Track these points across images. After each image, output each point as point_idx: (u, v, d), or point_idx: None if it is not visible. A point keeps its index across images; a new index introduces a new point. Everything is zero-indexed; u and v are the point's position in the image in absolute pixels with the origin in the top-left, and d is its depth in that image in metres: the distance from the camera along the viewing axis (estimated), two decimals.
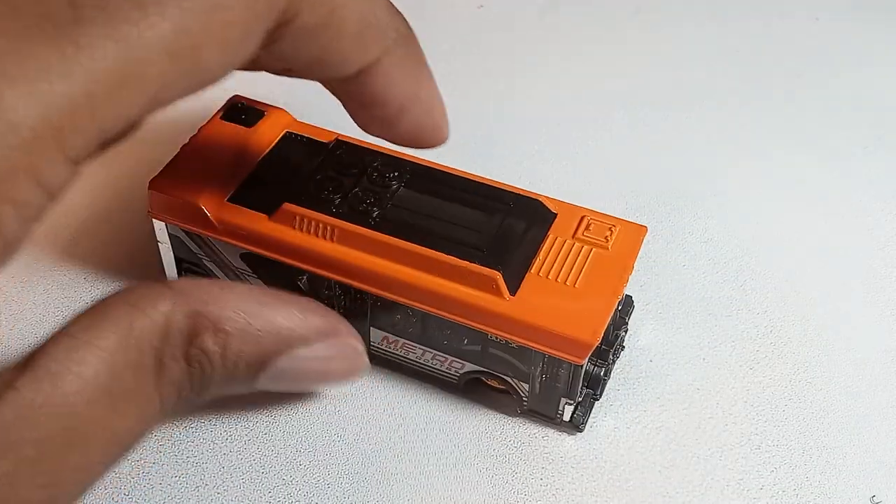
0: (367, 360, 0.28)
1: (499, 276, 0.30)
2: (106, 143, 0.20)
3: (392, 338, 0.34)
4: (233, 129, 0.36)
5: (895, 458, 0.33)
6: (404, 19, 0.28)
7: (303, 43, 0.24)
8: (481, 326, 0.31)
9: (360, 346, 0.28)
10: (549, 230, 0.33)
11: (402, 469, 0.33)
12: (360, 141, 0.35)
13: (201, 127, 0.36)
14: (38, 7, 0.18)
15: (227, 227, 0.33)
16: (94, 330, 0.22)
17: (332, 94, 0.29)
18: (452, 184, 0.34)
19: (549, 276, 0.31)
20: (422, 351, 0.34)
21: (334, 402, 0.35)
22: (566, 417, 0.33)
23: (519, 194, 0.34)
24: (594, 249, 0.32)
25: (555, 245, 0.32)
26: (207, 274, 0.36)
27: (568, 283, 0.31)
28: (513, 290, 0.31)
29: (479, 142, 0.45)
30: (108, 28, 0.19)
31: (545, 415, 0.33)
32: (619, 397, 0.35)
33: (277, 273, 0.34)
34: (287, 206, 0.32)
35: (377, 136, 0.30)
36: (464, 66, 0.50)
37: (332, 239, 0.32)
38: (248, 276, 0.35)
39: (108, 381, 0.21)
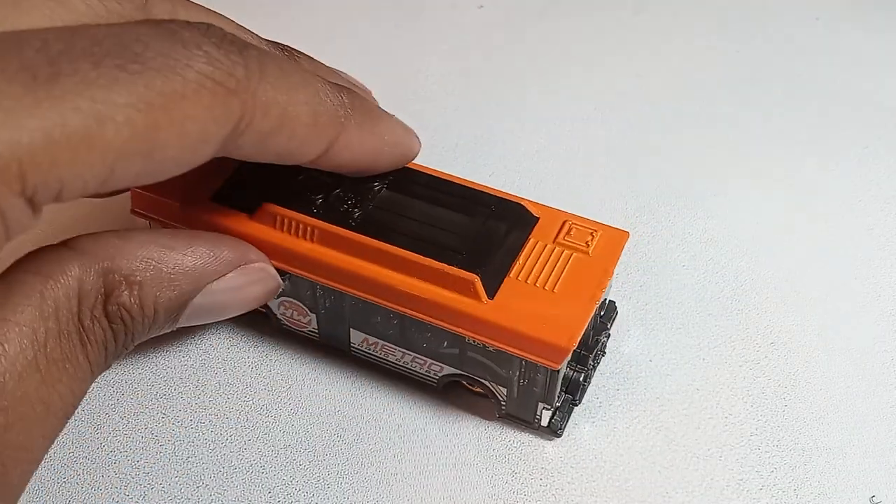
0: (279, 279, 0.31)
1: (477, 279, 0.30)
2: (62, 197, 0.21)
3: (372, 339, 0.34)
4: None
5: (895, 458, 0.33)
6: (348, 89, 0.30)
7: (262, 144, 0.26)
8: (459, 329, 0.31)
9: (271, 269, 0.30)
10: (530, 234, 0.32)
11: (403, 469, 0.33)
12: None
13: None
14: (19, 60, 0.20)
15: (207, 226, 0.33)
16: (8, 306, 0.22)
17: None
18: (435, 186, 0.34)
19: (528, 281, 0.31)
20: (401, 353, 0.34)
21: (334, 402, 0.35)
22: (544, 422, 0.33)
23: (501, 198, 0.33)
24: (574, 254, 0.32)
25: (535, 249, 0.32)
26: None
27: (546, 288, 0.31)
28: (491, 293, 0.30)
29: (478, 142, 0.45)
30: (81, 87, 0.20)
31: (523, 419, 0.33)
32: (614, 400, 0.35)
33: None
34: (267, 206, 0.32)
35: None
36: (464, 66, 0.50)
37: (312, 239, 0.32)
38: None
39: (34, 354, 0.22)
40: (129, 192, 0.34)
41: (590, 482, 0.32)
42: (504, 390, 0.33)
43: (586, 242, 0.32)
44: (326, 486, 0.32)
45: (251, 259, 0.29)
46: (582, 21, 0.54)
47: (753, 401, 0.35)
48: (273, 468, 0.32)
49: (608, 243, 0.32)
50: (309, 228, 0.32)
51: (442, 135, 0.46)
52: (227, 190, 0.34)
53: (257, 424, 0.34)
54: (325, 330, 0.35)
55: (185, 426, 0.34)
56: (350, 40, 0.51)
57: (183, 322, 0.27)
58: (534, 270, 0.31)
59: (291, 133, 0.26)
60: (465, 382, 0.34)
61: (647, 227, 0.42)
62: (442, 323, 0.31)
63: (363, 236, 0.31)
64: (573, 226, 0.33)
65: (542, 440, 0.34)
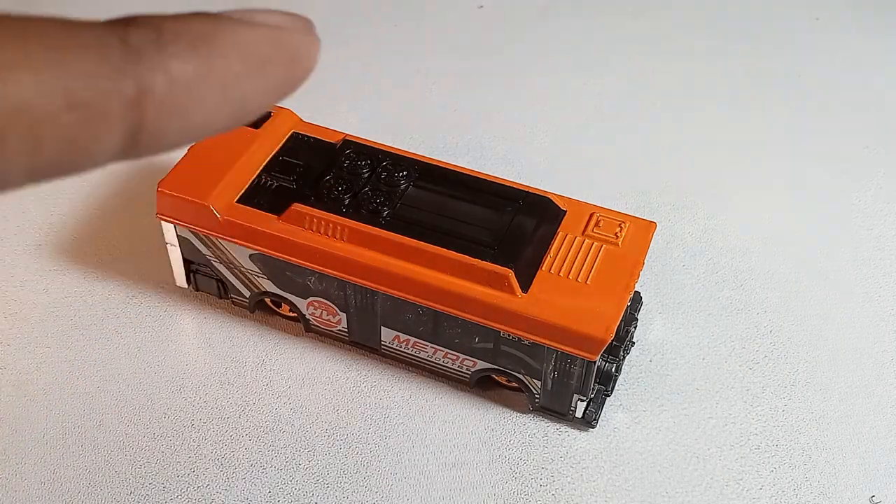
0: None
1: (510, 273, 0.30)
2: None
3: (403, 336, 0.34)
4: (240, 130, 0.35)
5: (895, 458, 0.33)
6: (127, 21, 0.24)
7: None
8: (493, 324, 0.31)
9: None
10: (559, 227, 0.33)
11: (402, 469, 0.33)
12: (368, 141, 0.35)
13: None
14: None
15: (235, 227, 0.33)
16: None
17: None
18: (461, 182, 0.34)
19: (561, 273, 0.31)
20: (433, 349, 0.34)
21: (336, 401, 0.35)
22: (578, 414, 0.33)
23: (528, 192, 0.34)
24: (604, 246, 0.32)
25: (565, 242, 0.32)
26: (216, 275, 0.36)
27: (580, 280, 0.31)
28: (525, 287, 0.31)
29: (478, 141, 0.45)
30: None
31: (558, 412, 0.33)
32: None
33: (288, 273, 0.34)
34: (296, 206, 0.32)
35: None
36: (464, 66, 0.50)
37: (342, 238, 0.32)
38: (258, 276, 0.35)
39: None
40: (153, 195, 0.34)
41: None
42: (538, 383, 0.33)
43: (615, 234, 0.32)
44: (326, 486, 0.32)
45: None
46: (582, 22, 0.54)
47: (753, 401, 0.35)
48: (273, 468, 0.32)
49: (637, 234, 0.33)
50: (339, 227, 0.32)
51: (442, 134, 0.45)
52: (252, 191, 0.34)
53: (257, 425, 0.34)
54: (356, 329, 0.35)
55: (186, 426, 0.34)
56: (350, 40, 0.51)
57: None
58: (566, 263, 0.31)
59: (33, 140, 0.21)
60: (496, 377, 0.34)
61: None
62: (477, 318, 0.31)
63: (395, 234, 0.32)
64: (601, 218, 0.33)
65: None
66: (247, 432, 0.33)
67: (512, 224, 0.32)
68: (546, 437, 0.34)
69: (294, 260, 0.33)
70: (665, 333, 0.37)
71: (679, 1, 0.56)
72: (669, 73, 0.51)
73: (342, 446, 0.33)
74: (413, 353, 0.34)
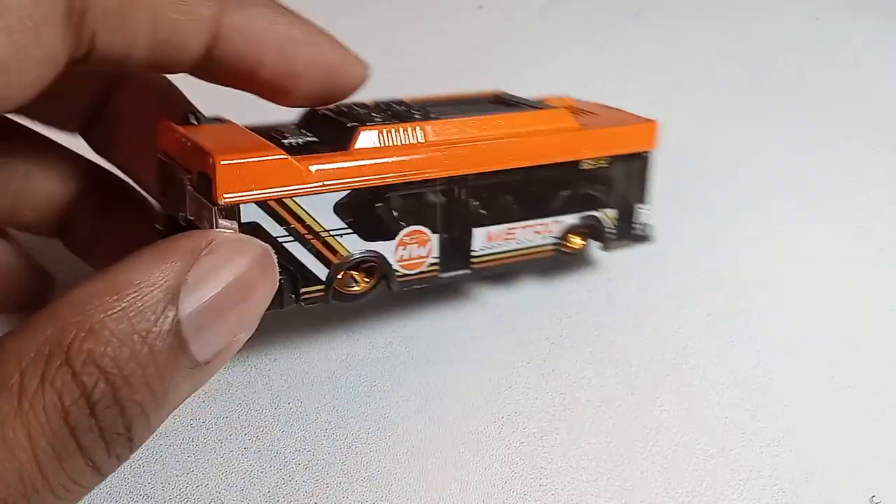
0: (262, 245, 0.25)
1: (567, 110, 0.36)
2: None
3: (494, 232, 0.36)
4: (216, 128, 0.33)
5: (895, 458, 0.33)
6: None
7: (120, 33, 0.24)
8: (572, 156, 0.36)
9: (246, 239, 0.25)
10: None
11: (403, 469, 0.33)
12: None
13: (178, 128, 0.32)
14: None
15: (320, 174, 0.31)
16: None
17: (243, 89, 0.29)
18: (472, 103, 0.38)
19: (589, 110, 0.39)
20: (522, 230, 0.36)
21: (334, 401, 0.35)
22: (643, 224, 0.39)
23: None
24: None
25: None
26: (287, 265, 0.32)
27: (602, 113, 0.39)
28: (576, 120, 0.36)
29: None
30: None
31: (628, 235, 0.39)
32: (613, 400, 0.35)
33: (377, 211, 0.33)
34: (363, 128, 0.32)
35: (301, 103, 0.31)
36: (464, 66, 0.50)
37: (422, 140, 0.33)
38: (341, 236, 0.33)
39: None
40: (215, 172, 0.29)
41: (590, 482, 0.32)
42: (612, 213, 0.38)
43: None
44: (326, 486, 0.32)
45: (212, 238, 0.24)
46: (582, 22, 0.54)
47: (754, 400, 0.35)
48: (273, 468, 0.32)
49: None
50: (412, 131, 0.33)
51: None
52: (288, 146, 0.32)
53: (257, 424, 0.34)
54: (446, 251, 0.35)
55: (186, 426, 0.34)
56: (350, 40, 0.51)
57: (198, 351, 0.23)
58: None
59: (150, 8, 0.23)
60: (570, 239, 0.38)
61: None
62: (558, 155, 0.36)
63: (468, 116, 0.34)
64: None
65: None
66: (246, 432, 0.33)
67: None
68: (545, 437, 0.34)
69: (388, 180, 0.32)
70: (664, 333, 0.37)
71: (679, 1, 0.56)
72: (669, 73, 0.51)
73: (342, 446, 0.33)
74: (503, 249, 0.36)
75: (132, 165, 0.35)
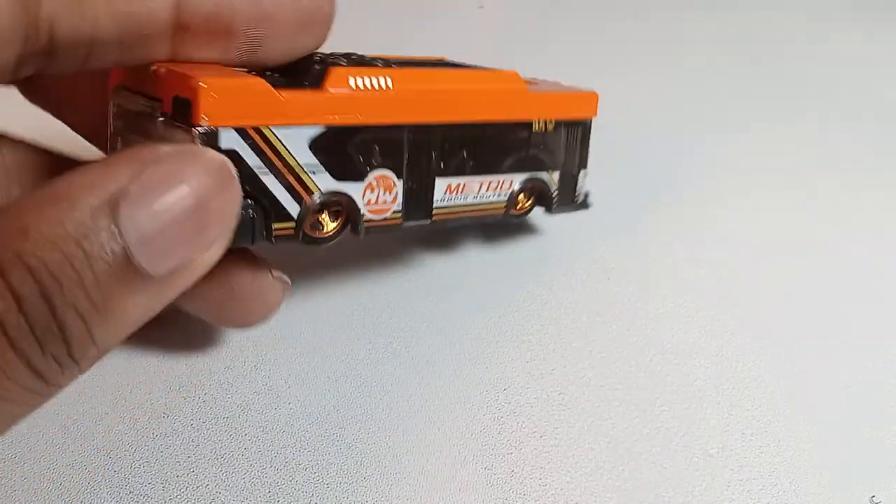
0: (221, 159, 0.24)
1: (516, 72, 0.38)
2: None
3: (454, 184, 0.37)
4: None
5: (895, 458, 0.33)
6: None
7: (80, 4, 0.24)
8: (528, 117, 0.38)
9: (199, 152, 0.24)
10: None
11: (403, 469, 0.33)
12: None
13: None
14: None
15: (298, 106, 0.31)
16: None
17: (220, 59, 0.28)
18: (422, 63, 0.38)
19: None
20: (479, 185, 0.37)
21: (334, 401, 0.35)
22: (582, 191, 0.41)
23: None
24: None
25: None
26: (261, 196, 0.31)
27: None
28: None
29: None
30: None
31: (568, 201, 0.41)
32: (617, 396, 0.35)
33: (349, 151, 0.33)
34: (335, 69, 0.32)
35: (279, 54, 0.31)
36: None
37: (391, 84, 0.33)
38: (315, 173, 0.33)
39: None
40: (198, 94, 0.28)
41: (590, 482, 0.32)
42: (557, 175, 0.40)
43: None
44: (326, 487, 0.32)
45: (161, 149, 0.23)
46: (582, 22, 0.54)
47: (754, 400, 0.35)
48: (273, 468, 0.32)
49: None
50: (383, 76, 0.33)
51: None
52: (268, 79, 0.31)
53: (257, 424, 0.34)
54: (410, 200, 0.36)
55: (185, 426, 0.34)
56: (350, 40, 0.51)
57: (147, 263, 0.22)
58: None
59: None
60: (521, 199, 0.39)
61: (648, 226, 0.42)
62: (515, 116, 0.38)
63: (435, 67, 0.36)
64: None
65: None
66: (246, 432, 0.33)
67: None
68: (545, 437, 0.34)
69: (361, 119, 0.33)
70: (663, 332, 0.37)
71: (680, 1, 0.56)
72: (669, 73, 0.51)
73: (342, 446, 0.33)
74: (461, 201, 0.37)
75: (75, 111, 0.33)
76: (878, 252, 0.42)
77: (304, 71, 0.33)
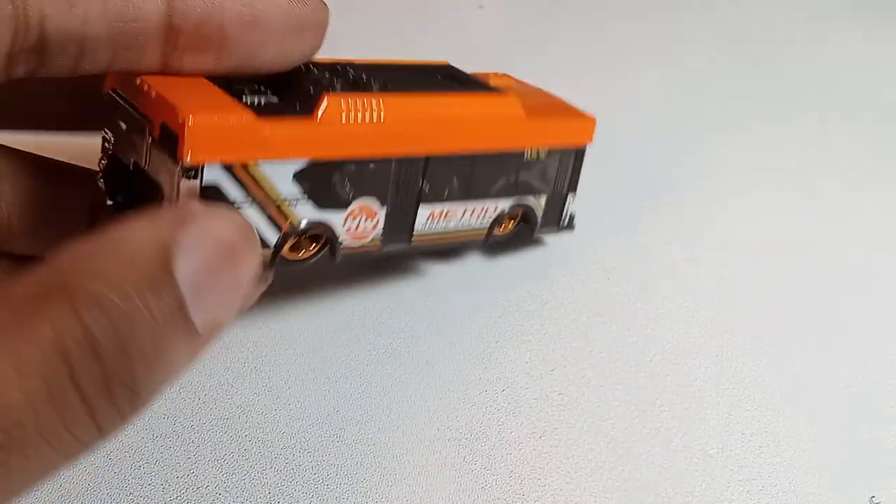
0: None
1: (515, 96, 0.37)
2: None
3: (437, 210, 0.36)
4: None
5: (895, 458, 0.33)
6: None
7: (70, 4, 0.24)
8: (518, 147, 0.37)
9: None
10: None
11: (403, 469, 0.33)
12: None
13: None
14: None
15: (284, 141, 0.30)
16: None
17: (211, 69, 0.28)
18: (422, 72, 0.38)
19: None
20: (462, 211, 0.37)
21: (335, 401, 0.35)
22: (567, 216, 0.40)
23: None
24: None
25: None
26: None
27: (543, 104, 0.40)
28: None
29: None
30: None
31: (553, 225, 0.40)
32: (617, 396, 0.35)
33: (333, 182, 0.33)
34: (329, 96, 0.31)
35: (271, 60, 0.30)
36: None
37: (383, 116, 0.32)
38: (296, 204, 0.32)
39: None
40: (185, 132, 0.28)
41: (590, 482, 0.32)
42: (543, 200, 0.39)
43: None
44: (326, 487, 0.32)
45: (193, 208, 0.23)
46: (582, 22, 0.54)
47: (754, 400, 0.35)
48: (273, 468, 0.32)
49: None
50: (376, 102, 0.32)
51: None
52: (252, 105, 0.31)
53: (256, 424, 0.34)
54: (390, 227, 0.35)
55: (185, 426, 0.34)
56: (350, 41, 0.51)
57: (195, 313, 0.22)
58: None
59: None
60: (503, 224, 0.39)
61: (648, 226, 0.42)
62: (507, 145, 0.37)
63: (429, 92, 0.35)
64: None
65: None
66: (246, 433, 0.33)
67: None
68: (545, 437, 0.34)
69: (350, 152, 0.32)
70: (663, 332, 0.37)
71: (680, 1, 0.56)
72: (669, 73, 0.51)
73: (342, 447, 0.33)
74: (442, 227, 0.37)
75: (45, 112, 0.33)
76: (878, 252, 0.42)
77: (297, 89, 0.32)
